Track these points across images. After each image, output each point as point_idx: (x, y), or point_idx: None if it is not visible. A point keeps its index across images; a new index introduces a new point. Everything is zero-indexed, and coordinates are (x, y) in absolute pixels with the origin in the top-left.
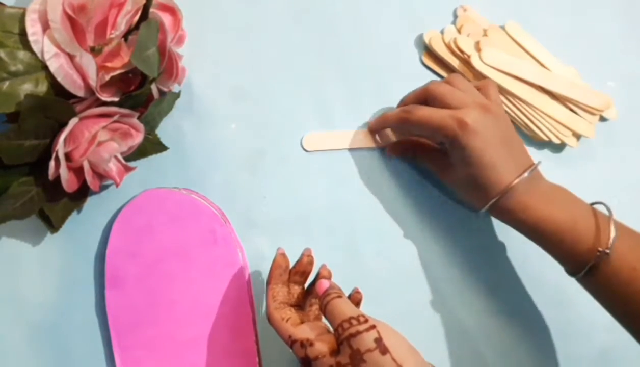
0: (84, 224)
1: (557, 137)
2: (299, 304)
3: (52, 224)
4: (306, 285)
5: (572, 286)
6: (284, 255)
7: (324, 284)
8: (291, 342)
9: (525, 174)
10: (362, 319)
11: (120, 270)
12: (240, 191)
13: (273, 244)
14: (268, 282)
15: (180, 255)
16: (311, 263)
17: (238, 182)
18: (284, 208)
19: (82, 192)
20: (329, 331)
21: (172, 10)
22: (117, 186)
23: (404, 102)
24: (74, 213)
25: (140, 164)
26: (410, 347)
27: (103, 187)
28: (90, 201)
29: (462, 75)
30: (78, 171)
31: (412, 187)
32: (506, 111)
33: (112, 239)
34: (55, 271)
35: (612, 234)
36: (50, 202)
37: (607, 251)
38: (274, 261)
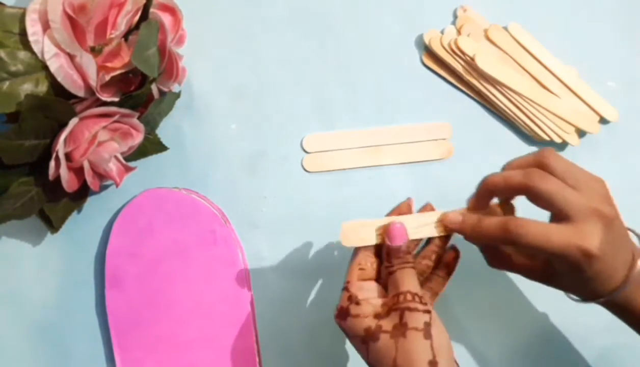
0: (84, 224)
1: (559, 135)
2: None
3: (52, 224)
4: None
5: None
6: (409, 205)
7: (400, 236)
8: (345, 287)
9: (636, 270)
10: (423, 300)
11: (120, 270)
12: (240, 191)
13: (273, 244)
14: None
15: (181, 255)
16: (409, 206)
17: (238, 182)
18: (284, 208)
19: (82, 192)
20: (384, 297)
21: (172, 10)
22: (117, 186)
23: (484, 190)
24: (74, 213)
25: (140, 164)
26: (449, 344)
27: (103, 187)
28: (90, 201)
29: (462, 75)
30: (78, 171)
31: (414, 185)
32: (506, 110)
33: (112, 239)
34: (55, 271)
35: None
36: (50, 202)
37: None
38: (398, 205)
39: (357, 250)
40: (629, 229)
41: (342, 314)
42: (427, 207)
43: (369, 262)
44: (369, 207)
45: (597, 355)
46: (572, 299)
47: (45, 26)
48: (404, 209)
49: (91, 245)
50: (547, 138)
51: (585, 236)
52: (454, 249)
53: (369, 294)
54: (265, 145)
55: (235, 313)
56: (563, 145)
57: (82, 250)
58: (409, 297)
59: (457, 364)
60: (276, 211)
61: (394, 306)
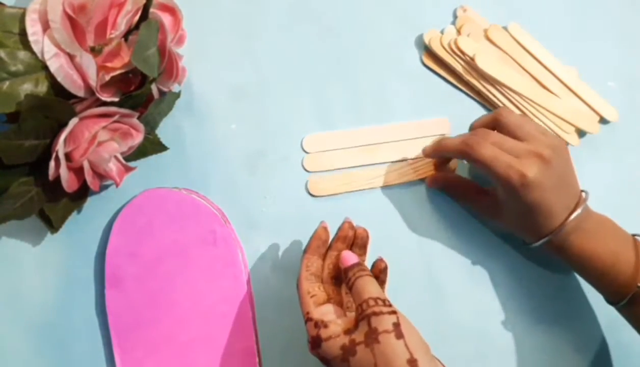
0: (84, 224)
1: (559, 135)
2: (336, 276)
3: (52, 224)
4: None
5: (574, 282)
6: (325, 229)
7: (349, 258)
8: (307, 318)
9: (573, 216)
10: (387, 302)
11: (120, 270)
12: (240, 191)
13: (273, 244)
14: (305, 251)
15: (181, 255)
16: (352, 228)
17: (238, 182)
18: (284, 208)
19: (82, 192)
20: (346, 315)
21: (172, 10)
22: (117, 186)
23: (436, 148)
24: (74, 213)
25: (140, 164)
26: (423, 340)
27: (103, 187)
28: (90, 201)
29: (462, 75)
30: (78, 171)
31: (414, 185)
32: None
33: (112, 239)
34: (55, 271)
35: None
36: (50, 202)
37: None
38: (315, 232)
39: (299, 282)
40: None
41: (315, 343)
42: (344, 226)
43: (316, 287)
44: (370, 206)
45: (596, 355)
46: (524, 244)
47: (45, 26)
48: (322, 235)
49: (91, 245)
50: None
51: (524, 165)
52: (381, 260)
53: (331, 316)
54: (265, 145)
55: (235, 313)
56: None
57: (82, 250)
58: (371, 302)
59: (439, 361)
60: (276, 211)
61: (361, 315)
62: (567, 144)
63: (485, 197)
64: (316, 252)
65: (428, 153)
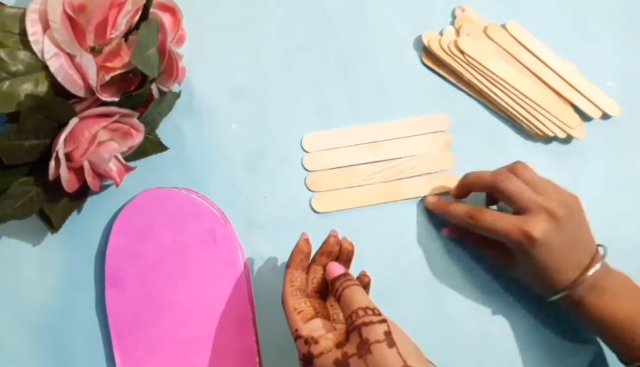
0: (84, 224)
1: (563, 130)
2: (321, 290)
3: (52, 224)
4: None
5: None
6: (307, 241)
7: (335, 269)
8: (296, 336)
9: (590, 273)
10: (376, 311)
11: (120, 270)
12: (240, 191)
13: (273, 244)
14: (287, 266)
15: (181, 255)
16: (338, 243)
17: (238, 182)
18: (284, 208)
19: (82, 192)
20: (336, 328)
21: (172, 10)
22: (117, 186)
23: (464, 184)
24: (74, 213)
25: (140, 164)
26: (415, 345)
27: (103, 187)
28: (90, 201)
29: (462, 75)
30: (78, 171)
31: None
32: (507, 108)
33: (112, 239)
34: (55, 271)
35: None
36: (50, 202)
37: None
38: (297, 245)
39: (284, 298)
40: (599, 245)
41: (307, 360)
42: (330, 240)
43: (302, 303)
44: (369, 207)
45: (595, 355)
46: (546, 299)
47: (45, 26)
48: (304, 248)
49: (91, 245)
50: (552, 134)
51: (529, 223)
52: (365, 275)
53: (320, 331)
54: (265, 145)
55: (235, 313)
56: (568, 139)
57: (82, 250)
58: (360, 313)
59: (432, 364)
60: (276, 211)
61: (351, 326)
62: (571, 138)
63: (501, 249)
64: (299, 266)
65: (431, 208)
